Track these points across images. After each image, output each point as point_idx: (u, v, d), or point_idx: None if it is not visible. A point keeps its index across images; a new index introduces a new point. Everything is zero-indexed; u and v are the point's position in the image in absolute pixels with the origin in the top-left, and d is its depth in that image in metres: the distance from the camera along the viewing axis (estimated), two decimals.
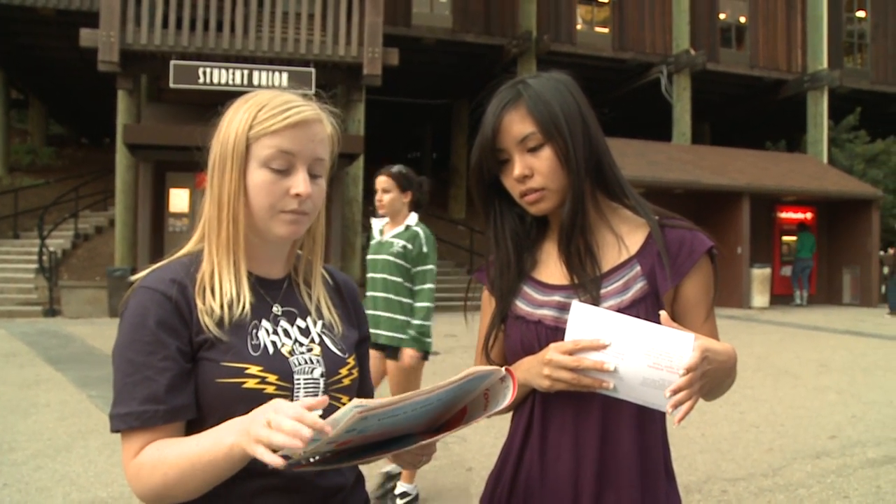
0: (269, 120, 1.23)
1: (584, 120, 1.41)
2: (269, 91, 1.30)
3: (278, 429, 0.97)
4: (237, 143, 1.24)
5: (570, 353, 1.26)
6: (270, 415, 0.99)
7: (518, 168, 1.40)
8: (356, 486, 1.36)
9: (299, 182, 1.24)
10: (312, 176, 1.27)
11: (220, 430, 1.10)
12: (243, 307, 1.24)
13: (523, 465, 1.43)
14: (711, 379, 1.24)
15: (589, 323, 1.26)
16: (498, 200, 1.51)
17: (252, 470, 1.13)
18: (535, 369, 1.32)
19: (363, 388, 1.43)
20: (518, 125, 1.39)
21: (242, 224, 1.25)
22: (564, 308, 1.38)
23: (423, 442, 1.12)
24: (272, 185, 1.24)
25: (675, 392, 1.18)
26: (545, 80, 1.43)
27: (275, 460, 0.97)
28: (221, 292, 1.23)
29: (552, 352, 1.29)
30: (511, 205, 1.50)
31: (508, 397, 1.15)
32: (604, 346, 1.24)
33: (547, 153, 1.38)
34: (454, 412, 1.19)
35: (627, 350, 1.23)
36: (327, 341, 1.33)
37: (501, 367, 1.18)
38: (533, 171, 1.39)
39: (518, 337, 1.44)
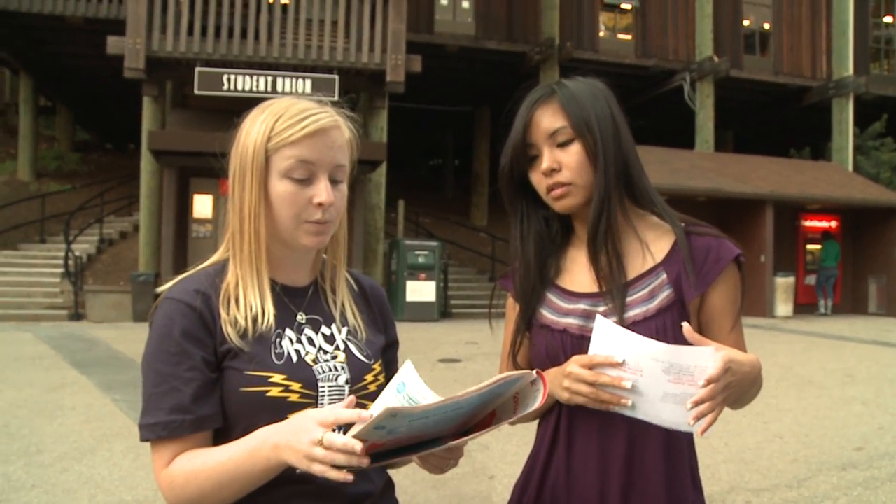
0: (287, 130, 1.23)
1: (615, 123, 1.42)
2: (285, 99, 1.30)
3: (331, 447, 1.02)
4: (256, 156, 1.24)
5: (590, 367, 1.27)
6: (318, 433, 1.03)
7: (546, 161, 1.40)
8: (385, 492, 1.36)
9: (321, 191, 1.25)
10: (333, 182, 1.27)
11: (255, 441, 1.12)
12: (268, 320, 1.25)
13: (549, 475, 1.43)
14: (736, 390, 1.23)
15: (611, 339, 1.25)
16: (525, 201, 1.51)
17: (284, 476, 1.15)
18: (557, 380, 1.32)
19: None
20: (549, 119, 1.40)
21: (264, 236, 1.26)
22: (590, 316, 1.38)
23: (453, 443, 1.12)
24: (295, 196, 1.24)
25: (696, 404, 1.17)
26: (580, 83, 1.45)
27: (340, 476, 1.03)
28: (245, 304, 1.24)
29: (572, 364, 1.29)
30: (538, 206, 1.50)
31: (539, 400, 1.15)
32: (618, 364, 1.24)
33: (576, 148, 1.39)
34: (482, 416, 1.19)
35: (647, 368, 1.22)
36: (352, 348, 1.33)
37: (532, 370, 1.19)
38: (561, 165, 1.40)
39: (543, 346, 1.44)
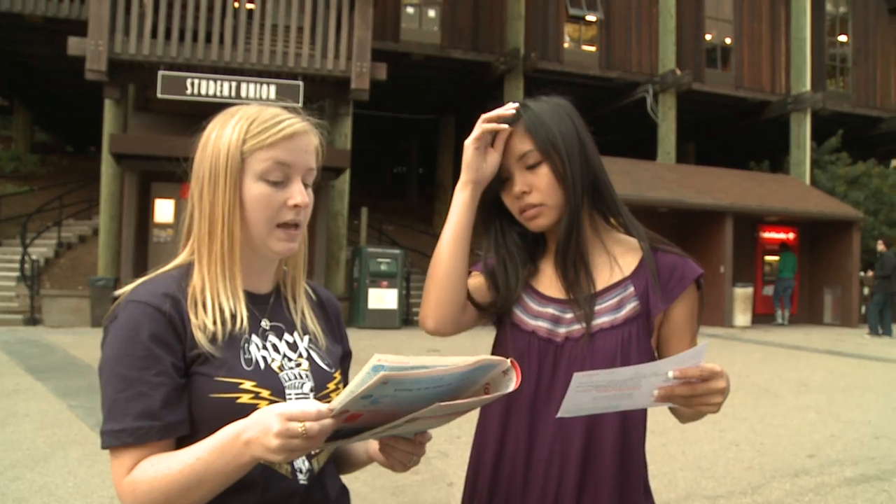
0: (263, 133, 1.24)
1: (580, 141, 1.46)
2: (254, 105, 1.30)
3: (311, 436, 1.00)
4: (231, 157, 1.24)
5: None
6: (292, 425, 1.00)
7: (518, 185, 1.45)
8: (340, 500, 1.37)
9: (296, 193, 1.25)
10: (304, 185, 1.29)
11: (223, 438, 1.09)
12: (241, 323, 1.24)
13: (502, 480, 1.45)
14: (713, 399, 1.23)
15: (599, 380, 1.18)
16: (499, 220, 1.55)
17: (246, 483, 1.15)
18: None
19: None
20: (517, 143, 1.45)
21: (238, 238, 1.25)
22: (558, 321, 1.44)
23: (442, 404, 1.05)
24: (269, 198, 1.24)
25: (681, 376, 1.16)
26: (544, 103, 1.48)
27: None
28: (214, 308, 1.23)
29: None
30: (512, 223, 1.54)
31: (510, 387, 1.13)
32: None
33: (544, 170, 1.43)
34: None
35: (645, 382, 1.18)
36: (314, 356, 1.33)
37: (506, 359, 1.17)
38: (531, 188, 1.45)
39: (510, 345, 1.47)
